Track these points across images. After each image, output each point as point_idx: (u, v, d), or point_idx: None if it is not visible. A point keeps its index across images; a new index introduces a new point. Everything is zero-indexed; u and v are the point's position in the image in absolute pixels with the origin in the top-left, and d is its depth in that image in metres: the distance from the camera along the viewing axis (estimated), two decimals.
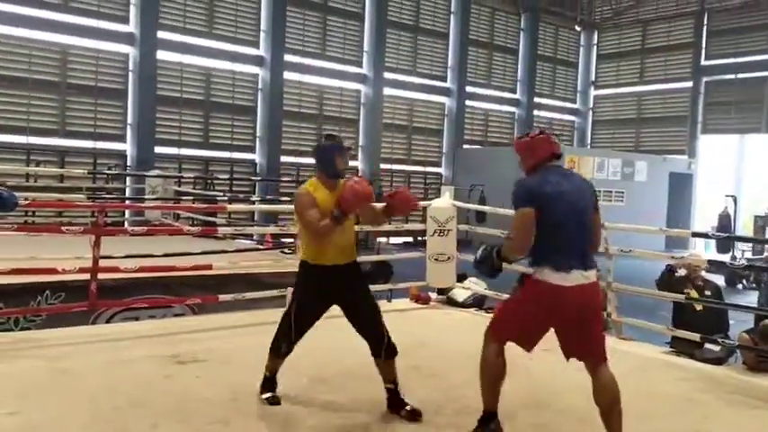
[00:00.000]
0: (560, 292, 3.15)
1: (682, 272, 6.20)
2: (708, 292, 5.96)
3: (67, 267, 5.75)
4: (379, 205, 3.96)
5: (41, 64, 17.30)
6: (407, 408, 3.77)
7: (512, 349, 5.45)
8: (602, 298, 3.42)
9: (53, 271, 5.78)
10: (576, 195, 3.26)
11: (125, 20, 18.39)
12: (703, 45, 27.04)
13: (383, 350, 3.75)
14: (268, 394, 3.94)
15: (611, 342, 5.91)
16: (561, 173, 3.38)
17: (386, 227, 9.52)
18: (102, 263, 5.80)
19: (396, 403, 3.79)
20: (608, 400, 3.23)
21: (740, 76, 25.84)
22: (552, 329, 3.35)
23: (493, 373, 3.38)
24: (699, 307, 5.89)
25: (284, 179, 19.91)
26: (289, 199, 13.51)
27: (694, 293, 5.93)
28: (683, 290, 6.00)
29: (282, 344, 3.85)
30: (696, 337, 5.47)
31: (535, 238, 3.21)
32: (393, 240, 20.63)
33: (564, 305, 3.18)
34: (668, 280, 6.20)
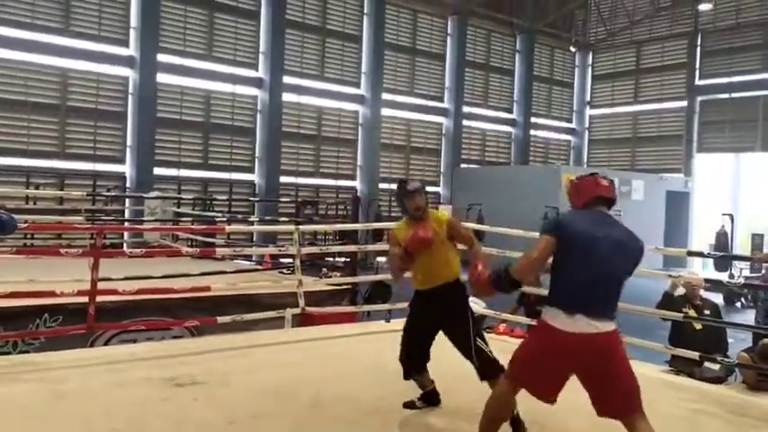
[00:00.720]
0: (563, 336, 3.04)
1: (680, 291, 6.19)
2: (707, 312, 5.96)
3: (66, 290, 5.75)
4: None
5: (42, 87, 17.43)
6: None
7: None
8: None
9: (51, 294, 5.78)
10: (610, 245, 3.08)
11: (125, 43, 18.57)
12: (697, 65, 27.31)
13: (477, 372, 3.96)
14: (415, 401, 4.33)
15: None
16: (604, 219, 3.22)
17: (382, 246, 9.53)
18: (101, 285, 5.80)
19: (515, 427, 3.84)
20: None
21: (734, 95, 26.07)
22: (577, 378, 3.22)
23: (497, 411, 3.30)
24: (698, 326, 5.89)
25: (283, 200, 19.95)
26: (287, 219, 13.54)
27: (693, 313, 5.93)
28: (681, 309, 5.99)
29: (402, 355, 4.26)
30: (695, 355, 5.47)
31: (553, 278, 3.16)
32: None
33: (567, 349, 3.07)
34: (668, 300, 6.20)
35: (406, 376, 4.23)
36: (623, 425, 3.13)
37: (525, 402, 3.98)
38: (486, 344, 4.04)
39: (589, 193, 3.23)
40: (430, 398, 4.31)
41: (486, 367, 3.90)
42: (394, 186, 18.50)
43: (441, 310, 4.04)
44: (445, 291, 4.07)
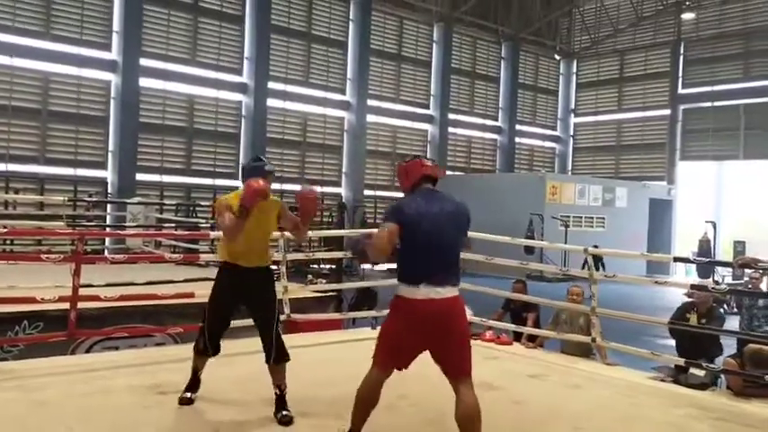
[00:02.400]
0: (411, 304, 3.29)
1: (692, 298, 6.24)
2: (703, 320, 5.96)
3: (47, 297, 5.64)
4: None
5: (22, 91, 17.22)
6: (283, 413, 4.01)
7: (500, 378, 5.41)
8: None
9: (32, 300, 5.66)
10: (438, 218, 3.36)
11: (107, 47, 18.41)
12: (680, 74, 27.66)
13: (268, 354, 4.06)
14: (187, 394, 4.27)
15: (596, 367, 5.96)
16: (432, 196, 3.46)
17: None
18: (83, 291, 5.70)
19: (277, 407, 4.04)
20: (465, 421, 3.28)
21: (716, 103, 26.42)
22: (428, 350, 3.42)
23: (364, 396, 3.41)
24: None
25: None
26: None
27: (694, 319, 5.97)
28: (685, 315, 6.05)
29: (206, 331, 4.22)
30: (681, 361, 5.48)
31: (398, 257, 3.37)
32: (378, 266, 20.55)
33: (415, 318, 3.29)
34: (680, 308, 6.24)
35: (205, 353, 4.21)
36: (452, 387, 3.36)
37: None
38: (281, 332, 4.19)
39: (416, 173, 3.50)
40: (197, 385, 4.33)
41: (279, 352, 4.06)
42: (380, 193, 18.70)
43: (256, 291, 4.11)
44: (263, 273, 4.18)
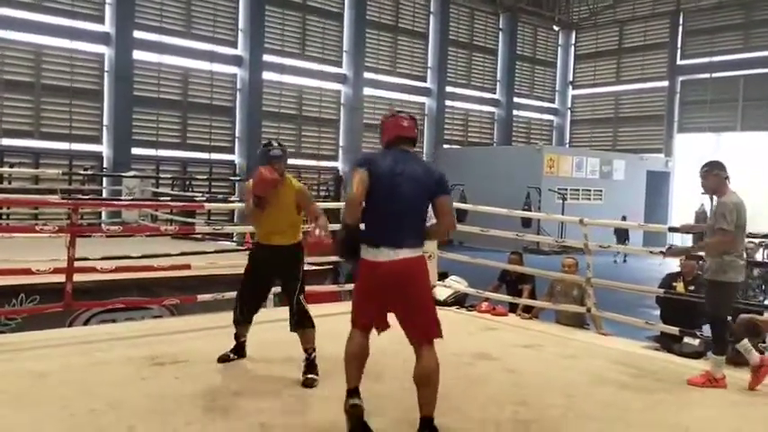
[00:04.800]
0: (372, 266, 3.31)
1: (679, 268, 6.29)
2: (691, 287, 6.01)
3: (42, 268, 5.63)
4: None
5: (14, 64, 17.03)
6: (308, 376, 4.21)
7: (496, 349, 5.43)
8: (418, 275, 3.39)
9: (27, 271, 5.65)
10: (404, 180, 3.31)
11: (100, 19, 18.17)
12: (679, 45, 27.44)
13: (292, 323, 4.37)
14: (228, 354, 4.64)
15: (590, 337, 6.00)
16: (404, 157, 3.40)
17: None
18: (79, 264, 5.69)
19: (305, 370, 4.25)
20: (421, 380, 3.30)
21: (715, 75, 26.25)
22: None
23: (348, 353, 3.48)
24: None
25: None
26: None
27: (681, 287, 6.00)
28: (671, 284, 6.10)
29: (239, 303, 4.63)
30: (675, 331, 5.52)
31: (363, 217, 3.34)
32: None
33: (376, 279, 3.31)
34: (665, 278, 6.29)
35: (237, 321, 4.62)
36: (413, 348, 3.36)
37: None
38: (305, 302, 4.43)
39: (392, 132, 3.45)
40: (240, 350, 4.68)
41: (300, 319, 4.33)
42: None
43: (280, 267, 4.45)
44: (286, 251, 4.43)
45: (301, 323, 4.33)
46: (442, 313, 6.82)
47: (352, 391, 3.42)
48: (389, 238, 3.28)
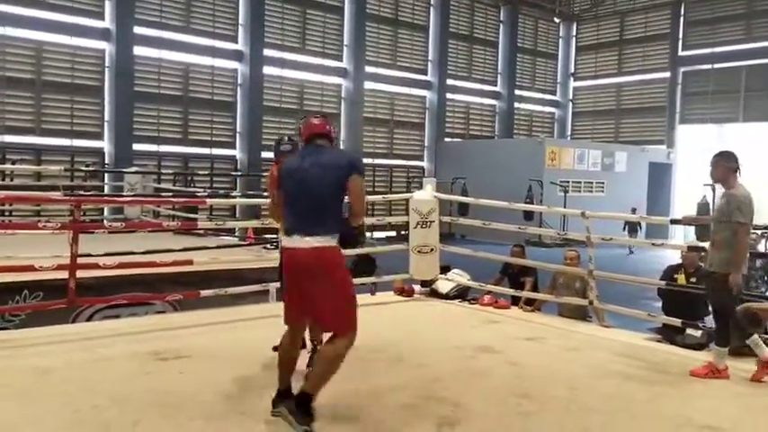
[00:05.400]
0: (289, 253, 3.47)
1: (679, 260, 6.30)
2: (692, 279, 6.01)
3: (45, 265, 5.65)
4: None
5: (16, 61, 17.02)
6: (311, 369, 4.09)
7: (499, 342, 5.42)
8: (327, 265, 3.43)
9: (30, 268, 5.67)
10: (310, 171, 3.45)
11: (100, 15, 18.15)
12: (680, 35, 27.33)
13: None
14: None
15: (593, 330, 6.01)
16: (313, 151, 3.57)
17: (369, 220, 9.57)
18: (82, 261, 5.70)
19: (310, 361, 4.22)
20: (318, 360, 3.51)
21: (717, 66, 26.15)
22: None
23: (279, 356, 3.60)
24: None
25: (265, 174, 19.74)
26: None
27: (682, 279, 6.01)
28: (673, 276, 6.11)
29: None
30: (677, 322, 5.52)
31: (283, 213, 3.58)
32: (377, 234, 20.61)
33: (293, 266, 3.45)
34: (667, 270, 6.30)
35: None
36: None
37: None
38: None
39: (305, 132, 3.68)
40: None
41: None
42: (378, 161, 18.65)
43: None
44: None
45: None
46: (444, 307, 6.88)
47: (280, 394, 3.52)
48: (300, 226, 3.42)
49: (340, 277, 3.41)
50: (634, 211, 21.40)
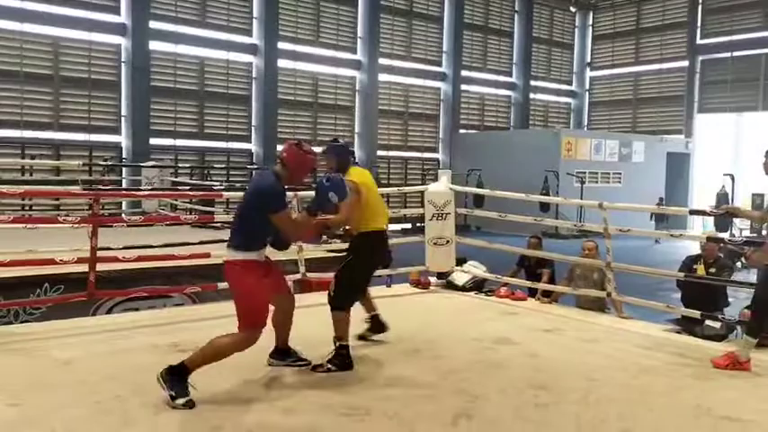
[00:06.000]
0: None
1: (699, 251, 6.26)
2: (712, 270, 5.96)
3: (66, 258, 5.72)
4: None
5: (34, 57, 17.19)
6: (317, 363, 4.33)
7: (516, 334, 5.42)
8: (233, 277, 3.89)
9: (51, 262, 5.75)
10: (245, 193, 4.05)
11: (116, 10, 18.27)
12: (698, 23, 26.94)
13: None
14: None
15: (611, 321, 5.97)
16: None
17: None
18: (101, 254, 5.77)
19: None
20: (211, 340, 3.80)
21: (735, 54, 25.77)
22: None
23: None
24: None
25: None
26: (286, 187, 13.44)
27: (701, 270, 5.96)
28: (692, 267, 6.07)
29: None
30: (696, 314, 5.47)
31: None
32: (392, 227, 20.61)
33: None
34: (686, 261, 6.26)
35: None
36: None
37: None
38: (347, 289, 4.46)
39: None
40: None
41: (330, 300, 4.45)
42: (393, 153, 18.56)
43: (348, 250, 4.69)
44: (351, 241, 4.73)
45: (331, 304, 4.47)
46: (460, 299, 6.88)
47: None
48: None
49: (242, 284, 3.81)
50: (661, 200, 21.20)
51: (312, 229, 4.13)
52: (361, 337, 4.88)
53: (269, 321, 3.90)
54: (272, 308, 4.03)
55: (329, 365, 4.22)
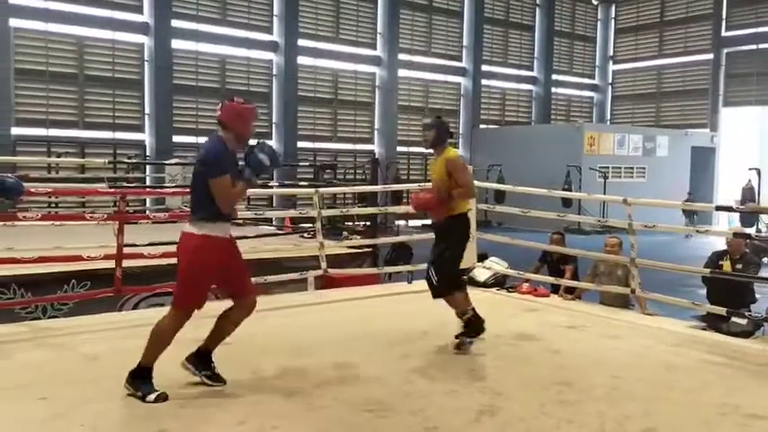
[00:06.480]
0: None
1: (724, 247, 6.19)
2: (738, 266, 5.89)
3: (92, 255, 5.82)
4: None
5: (59, 56, 17.44)
6: (461, 338, 4.59)
7: (539, 330, 5.38)
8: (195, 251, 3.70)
9: (78, 258, 5.85)
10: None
11: (139, 9, 18.45)
12: (723, 15, 26.47)
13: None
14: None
15: (635, 318, 5.92)
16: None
17: (404, 209, 9.64)
18: (126, 251, 5.86)
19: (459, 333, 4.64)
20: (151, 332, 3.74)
21: (761, 46, 25.28)
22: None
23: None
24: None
25: (301, 164, 19.93)
26: (307, 184, 13.53)
27: (727, 265, 5.89)
28: (718, 263, 6.01)
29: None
30: (722, 311, 5.40)
31: None
32: (412, 223, 20.63)
33: None
34: (711, 256, 6.20)
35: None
36: None
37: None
38: (449, 275, 4.58)
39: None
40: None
41: (432, 289, 4.63)
42: (413, 149, 18.54)
43: (436, 239, 4.73)
44: (443, 224, 4.66)
45: (433, 293, 4.63)
46: (482, 295, 6.86)
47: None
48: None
49: (190, 258, 3.68)
50: (690, 195, 20.92)
51: (242, 193, 3.96)
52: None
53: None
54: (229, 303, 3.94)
55: (467, 339, 4.50)
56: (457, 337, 4.60)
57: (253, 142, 3.87)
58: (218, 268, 3.70)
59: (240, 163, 3.79)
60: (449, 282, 4.57)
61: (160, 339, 3.68)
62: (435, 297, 4.68)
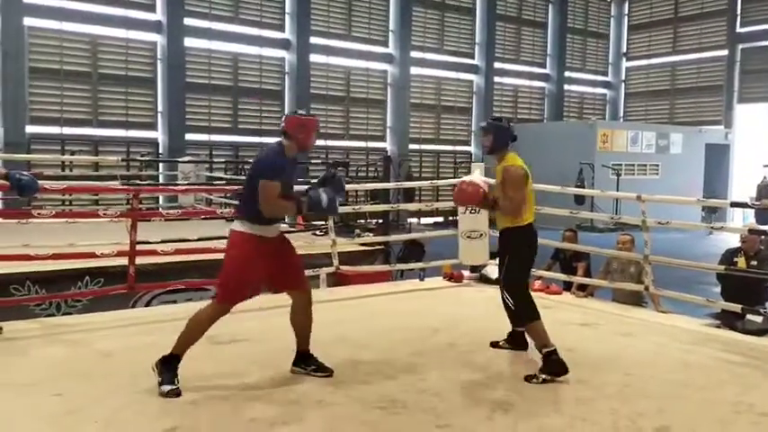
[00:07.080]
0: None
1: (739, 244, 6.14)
2: (753, 263, 5.83)
3: (106, 252, 5.86)
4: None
5: (73, 55, 17.57)
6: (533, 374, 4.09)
7: (552, 327, 5.38)
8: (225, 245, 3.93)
9: (92, 255, 5.89)
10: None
11: (152, 8, 18.55)
12: (738, 11, 26.21)
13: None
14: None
15: (649, 315, 5.87)
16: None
17: (416, 206, 9.63)
18: (139, 248, 5.89)
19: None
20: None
21: None
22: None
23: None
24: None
25: (314, 161, 19.92)
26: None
27: (742, 262, 5.83)
28: (732, 260, 5.96)
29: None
30: (737, 308, 5.35)
31: None
32: (424, 220, 20.61)
33: None
34: (726, 253, 6.15)
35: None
36: None
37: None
38: (510, 295, 4.26)
39: None
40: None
41: (510, 314, 4.41)
42: (425, 146, 18.56)
43: (501, 252, 4.39)
44: (503, 236, 4.37)
45: (512, 318, 4.39)
46: (494, 292, 6.82)
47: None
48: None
49: (232, 254, 3.81)
50: (713, 192, 20.77)
51: (291, 212, 4.08)
52: (494, 344, 4.65)
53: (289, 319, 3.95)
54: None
55: (543, 376, 3.93)
56: (535, 374, 3.99)
57: (331, 171, 4.10)
58: (261, 266, 3.78)
59: (307, 185, 4.01)
60: (527, 308, 4.14)
61: (195, 329, 3.78)
62: (516, 327, 4.42)
